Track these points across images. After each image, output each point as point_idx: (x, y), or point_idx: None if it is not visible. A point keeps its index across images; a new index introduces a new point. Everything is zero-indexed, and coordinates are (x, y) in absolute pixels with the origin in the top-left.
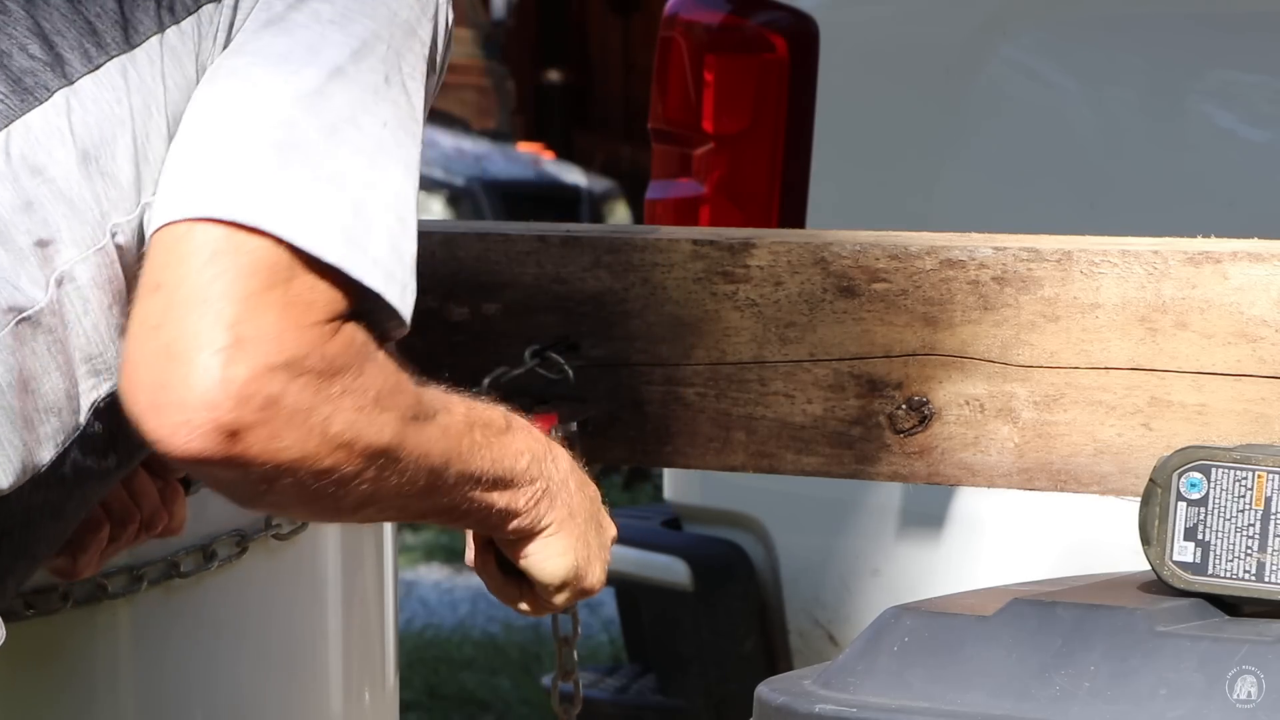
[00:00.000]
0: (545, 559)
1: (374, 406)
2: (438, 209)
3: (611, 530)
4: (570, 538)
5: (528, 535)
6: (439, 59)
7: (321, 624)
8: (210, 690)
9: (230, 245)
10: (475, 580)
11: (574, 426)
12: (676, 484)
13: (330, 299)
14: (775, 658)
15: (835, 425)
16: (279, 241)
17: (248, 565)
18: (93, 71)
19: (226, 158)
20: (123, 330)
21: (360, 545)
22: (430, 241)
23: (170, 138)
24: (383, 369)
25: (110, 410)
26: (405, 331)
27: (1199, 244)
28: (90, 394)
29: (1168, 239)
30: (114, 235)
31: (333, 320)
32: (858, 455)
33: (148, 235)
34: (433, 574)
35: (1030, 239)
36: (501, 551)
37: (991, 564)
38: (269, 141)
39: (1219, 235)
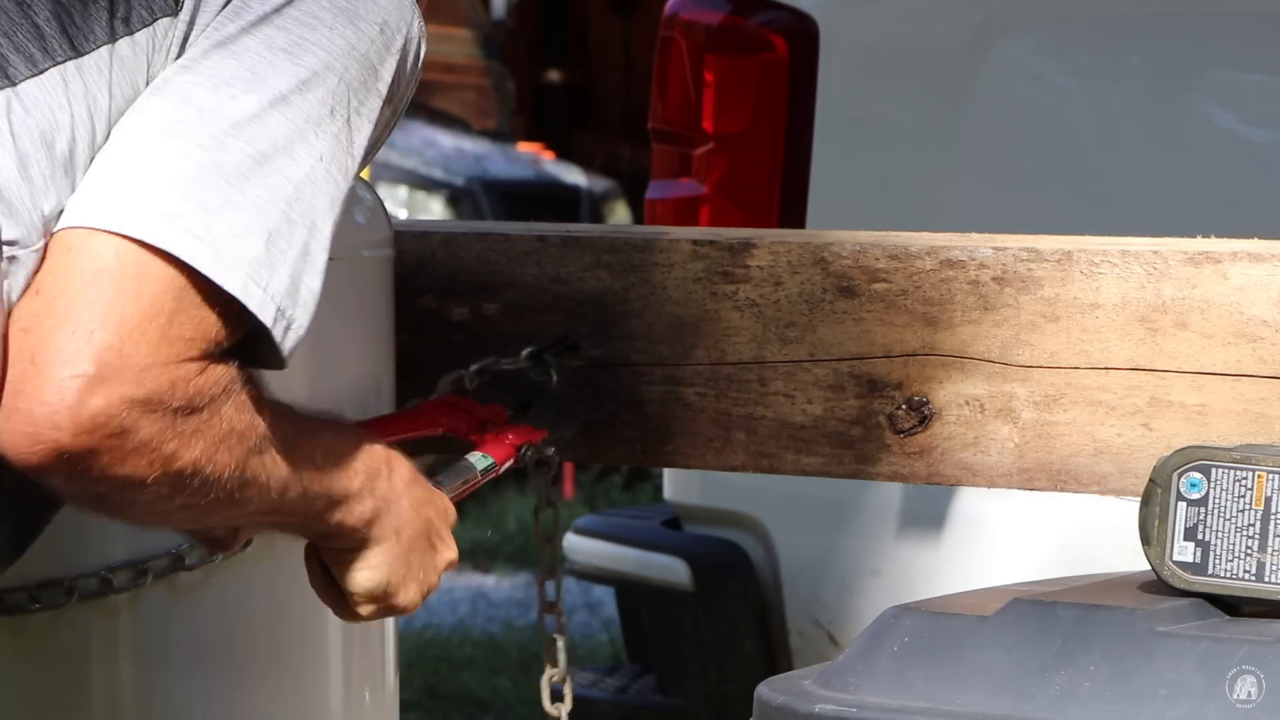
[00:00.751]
0: (357, 571)
1: (221, 445)
2: (438, 209)
3: (449, 553)
4: (388, 555)
5: (349, 549)
6: (401, 95)
7: (322, 623)
8: (211, 687)
9: (122, 264)
10: (475, 580)
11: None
12: (676, 484)
13: (210, 332)
14: (775, 658)
15: (835, 425)
16: (178, 264)
17: (251, 562)
18: (35, 76)
19: (145, 172)
20: None
21: None
22: (430, 241)
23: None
24: (240, 410)
25: None
26: (282, 369)
27: (1199, 244)
28: None
29: (1168, 239)
30: (46, 240)
31: (205, 357)
32: (858, 455)
33: None
34: None
35: (1030, 239)
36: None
37: (992, 564)
38: (195, 161)
39: (1219, 235)
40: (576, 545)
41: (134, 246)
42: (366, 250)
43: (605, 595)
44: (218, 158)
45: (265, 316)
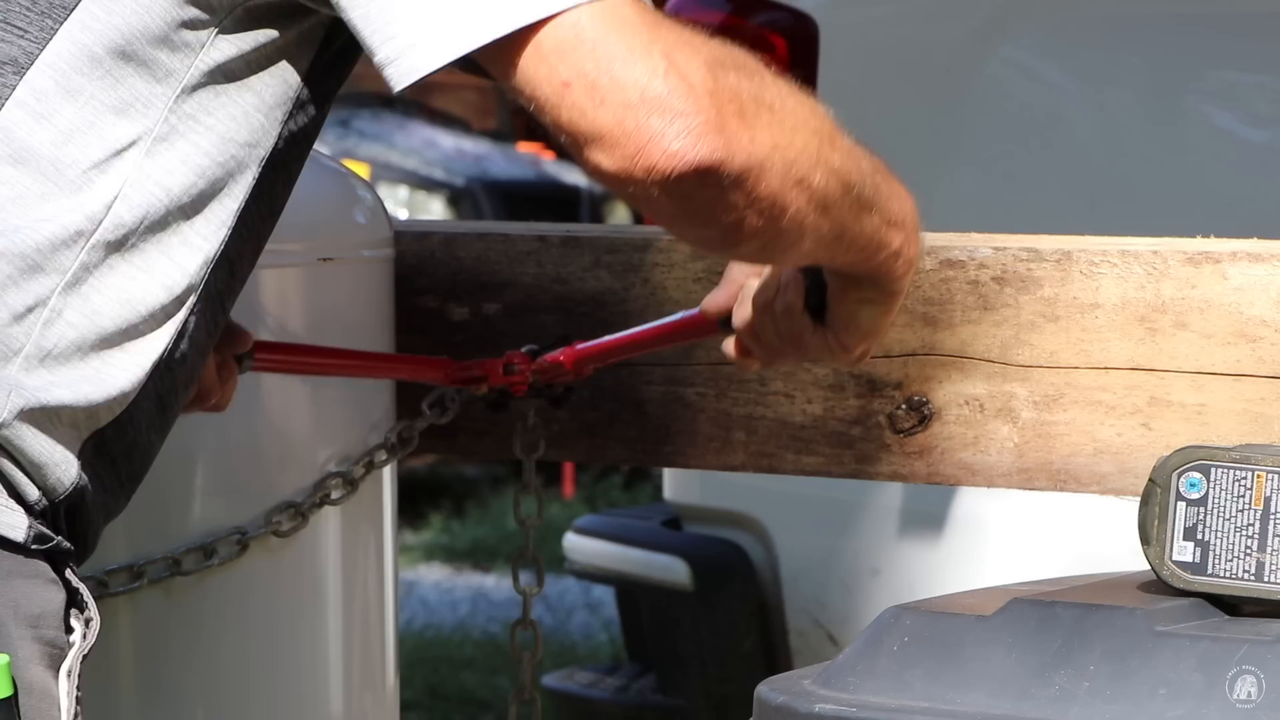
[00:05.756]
0: (880, 317)
1: (795, 94)
2: (438, 209)
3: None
4: (895, 308)
5: (897, 287)
6: None
7: (321, 624)
8: (210, 689)
9: (597, 14)
10: (475, 580)
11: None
12: (676, 484)
13: None
14: (775, 658)
15: (835, 425)
16: None
17: (248, 564)
18: None
19: None
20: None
21: (360, 545)
22: (430, 241)
23: None
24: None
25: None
26: None
27: (1199, 244)
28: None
29: (1168, 239)
30: (173, 109)
31: None
32: (858, 455)
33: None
34: (433, 574)
35: (1030, 239)
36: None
37: (992, 563)
38: None
39: (1219, 235)
40: (576, 545)
41: (590, 4)
42: (367, 251)
43: (605, 595)
44: None
45: None
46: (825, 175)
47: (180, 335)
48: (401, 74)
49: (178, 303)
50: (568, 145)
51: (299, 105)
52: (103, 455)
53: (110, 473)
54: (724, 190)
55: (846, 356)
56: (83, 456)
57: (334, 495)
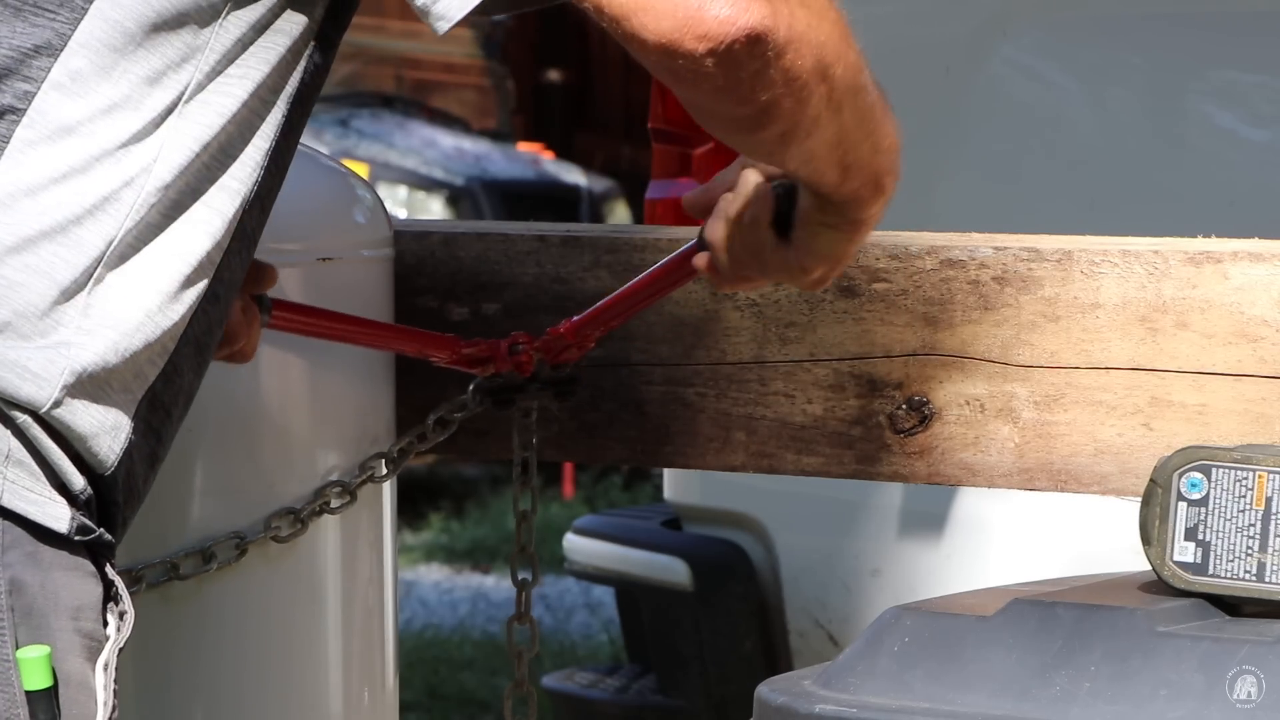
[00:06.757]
0: (848, 244)
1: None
2: (438, 209)
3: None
4: (863, 239)
5: (864, 215)
6: None
7: (321, 624)
8: (210, 691)
9: None
10: (475, 580)
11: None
12: (676, 484)
13: None
14: (775, 658)
15: (835, 425)
16: None
17: (247, 569)
18: None
19: None
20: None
21: (360, 550)
22: (430, 241)
23: None
24: None
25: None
26: None
27: (1199, 244)
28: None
29: (1168, 239)
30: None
31: None
32: (858, 455)
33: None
34: (433, 574)
35: (1030, 239)
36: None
37: (993, 564)
38: None
39: (1219, 235)
40: (576, 545)
41: None
42: (366, 250)
43: (605, 595)
44: None
45: None
46: (844, 69)
47: (217, 277)
48: (450, 11)
49: (218, 248)
50: (610, 27)
51: (321, 39)
52: (157, 409)
53: (165, 423)
54: (768, 62)
55: (804, 278)
56: (138, 416)
57: (333, 504)
